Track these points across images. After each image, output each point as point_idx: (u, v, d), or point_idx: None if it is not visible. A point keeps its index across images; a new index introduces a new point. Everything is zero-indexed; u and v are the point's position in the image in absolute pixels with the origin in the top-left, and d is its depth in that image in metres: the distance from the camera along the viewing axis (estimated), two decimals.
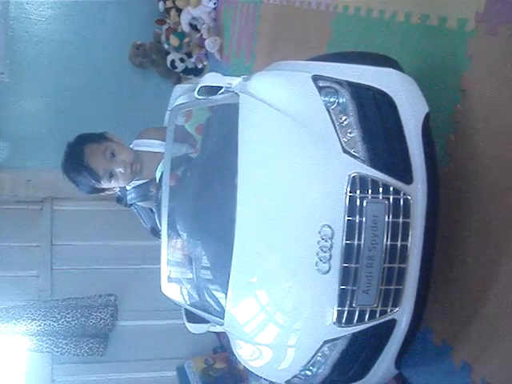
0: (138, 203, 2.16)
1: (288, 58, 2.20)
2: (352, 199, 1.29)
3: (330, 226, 1.30)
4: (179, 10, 3.99)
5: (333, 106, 1.38)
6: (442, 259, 1.49)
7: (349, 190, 1.30)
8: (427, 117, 1.38)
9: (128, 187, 2.12)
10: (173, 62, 4.05)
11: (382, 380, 1.43)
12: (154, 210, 2.00)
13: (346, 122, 1.36)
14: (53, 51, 4.35)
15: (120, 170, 2.02)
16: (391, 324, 1.34)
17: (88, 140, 2.07)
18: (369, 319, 1.32)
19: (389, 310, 1.32)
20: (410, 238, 1.31)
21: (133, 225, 2.55)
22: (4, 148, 4.41)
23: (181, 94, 2.05)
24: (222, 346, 2.80)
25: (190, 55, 4.06)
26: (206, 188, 1.70)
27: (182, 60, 4.04)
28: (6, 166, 4.39)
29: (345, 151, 1.33)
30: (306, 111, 1.39)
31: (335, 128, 1.36)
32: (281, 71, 1.50)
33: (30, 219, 4.02)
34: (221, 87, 1.64)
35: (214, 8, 3.78)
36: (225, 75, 1.74)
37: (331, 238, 1.30)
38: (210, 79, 1.65)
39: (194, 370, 2.58)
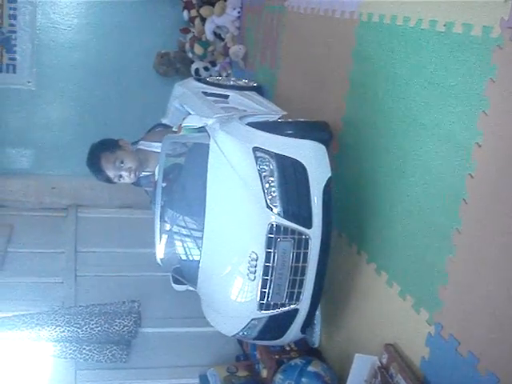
0: (145, 188, 2.83)
1: (312, 66, 2.22)
2: (270, 238, 1.99)
3: (255, 253, 2.01)
4: (203, 19, 4.02)
5: (264, 173, 2.00)
6: None
7: (268, 232, 1.99)
8: (329, 180, 2.01)
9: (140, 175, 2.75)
10: (197, 70, 4.07)
11: (293, 339, 2.27)
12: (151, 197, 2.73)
13: (271, 184, 2.00)
14: (78, 60, 4.41)
15: (126, 174, 2.62)
16: (295, 311, 2.09)
17: (104, 148, 2.65)
18: (279, 308, 2.07)
19: (293, 303, 2.07)
20: (308, 261, 2.02)
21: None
22: (30, 155, 4.47)
23: (178, 94, 3.01)
24: (244, 354, 2.79)
25: (214, 64, 4.09)
26: (186, 195, 2.43)
27: (206, 68, 4.06)
28: (32, 173, 4.46)
29: (268, 206, 2.00)
30: (247, 173, 2.03)
31: (263, 189, 2.00)
32: (235, 138, 2.08)
33: (54, 226, 4.05)
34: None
35: (238, 17, 3.80)
36: None
37: (256, 260, 2.01)
38: (192, 121, 2.39)
39: (217, 377, 2.57)
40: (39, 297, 3.15)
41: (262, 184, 2.01)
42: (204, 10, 4.00)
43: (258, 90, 3.22)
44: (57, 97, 4.45)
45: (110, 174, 2.63)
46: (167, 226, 2.52)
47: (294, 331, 2.16)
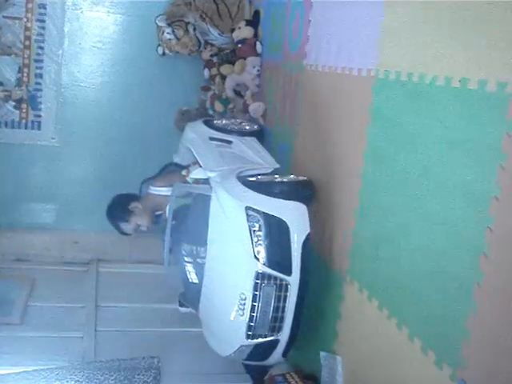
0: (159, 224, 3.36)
1: (331, 123, 2.27)
2: (256, 283, 2.41)
3: (244, 294, 2.43)
4: (224, 77, 4.10)
5: (254, 228, 2.42)
6: None
7: (255, 278, 2.41)
8: (308, 235, 2.44)
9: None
10: None
11: (276, 361, 2.66)
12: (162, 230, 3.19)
13: (259, 238, 2.42)
14: (101, 116, 4.51)
15: (144, 229, 3.36)
16: (276, 341, 2.51)
17: (122, 219, 3.34)
18: (264, 338, 2.49)
19: (275, 335, 2.49)
20: (287, 301, 2.44)
21: (177, 288, 3.09)
22: (52, 210, 4.53)
23: (189, 137, 3.43)
24: None
25: None
26: (193, 232, 2.87)
27: None
28: (54, 227, 4.50)
29: (255, 257, 2.42)
30: (239, 227, 2.46)
31: (252, 242, 2.42)
32: (232, 196, 2.52)
33: (75, 280, 4.08)
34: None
35: (258, 75, 3.88)
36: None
37: (245, 300, 2.43)
38: (198, 174, 2.90)
39: None
40: (59, 351, 3.15)
41: (251, 238, 2.43)
42: (224, 69, 4.09)
43: (260, 133, 3.54)
44: (80, 152, 4.53)
45: (131, 233, 3.40)
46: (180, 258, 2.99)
47: (276, 356, 2.57)
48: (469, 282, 1.69)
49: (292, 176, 2.77)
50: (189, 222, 2.93)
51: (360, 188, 2.40)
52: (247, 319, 2.45)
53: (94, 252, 4.40)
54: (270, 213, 2.44)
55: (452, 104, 1.79)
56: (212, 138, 3.30)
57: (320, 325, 2.72)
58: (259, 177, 2.75)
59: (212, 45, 4.28)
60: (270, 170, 2.90)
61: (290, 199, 2.49)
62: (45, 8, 4.27)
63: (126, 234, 3.41)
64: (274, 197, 2.50)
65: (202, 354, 3.07)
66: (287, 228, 2.43)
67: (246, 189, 2.54)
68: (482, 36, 1.66)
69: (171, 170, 3.44)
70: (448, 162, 1.81)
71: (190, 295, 2.94)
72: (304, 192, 2.65)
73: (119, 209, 3.36)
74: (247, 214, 2.44)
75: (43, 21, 4.29)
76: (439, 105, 1.86)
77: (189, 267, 2.90)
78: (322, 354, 2.57)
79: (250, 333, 2.47)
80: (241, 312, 2.45)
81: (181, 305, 3.08)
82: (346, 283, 2.48)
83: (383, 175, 2.21)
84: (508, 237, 1.54)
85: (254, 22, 4.00)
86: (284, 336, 2.50)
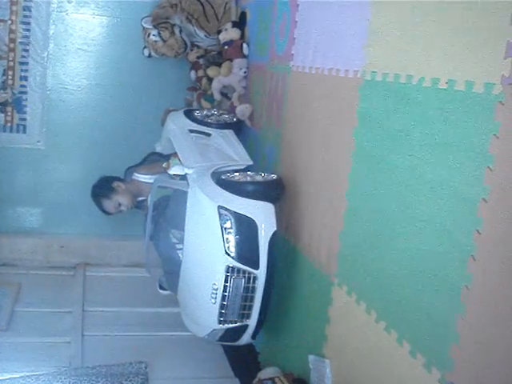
0: (141, 210, 3.66)
1: (318, 125, 2.26)
2: (227, 276, 2.66)
3: (216, 284, 2.68)
4: (210, 79, 4.08)
5: (225, 225, 2.65)
6: None
7: (226, 271, 2.66)
8: (274, 233, 2.68)
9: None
10: None
11: (246, 342, 2.93)
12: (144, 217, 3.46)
13: (229, 235, 2.65)
14: (87, 119, 4.48)
15: (124, 209, 3.60)
16: (245, 326, 2.78)
17: (102, 195, 3.61)
18: (234, 324, 2.76)
19: (244, 321, 2.76)
20: (255, 292, 2.70)
21: (156, 274, 3.33)
22: (38, 214, 4.49)
23: (170, 129, 3.62)
24: None
25: None
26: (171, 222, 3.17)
27: None
28: (40, 231, 4.47)
29: (226, 253, 2.66)
30: (212, 224, 2.70)
31: (223, 238, 2.66)
32: (206, 195, 2.76)
33: (62, 285, 4.05)
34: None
35: (244, 76, 3.86)
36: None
37: (217, 290, 2.68)
38: (176, 170, 3.08)
39: None
40: (46, 357, 3.12)
41: (222, 234, 2.66)
42: (211, 71, 4.06)
43: (238, 125, 3.69)
44: (65, 156, 4.50)
45: (112, 211, 3.61)
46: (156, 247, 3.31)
47: (246, 338, 2.85)
48: (457, 284, 1.67)
49: (263, 174, 2.93)
50: (176, 209, 3.09)
51: (348, 190, 2.38)
52: (219, 307, 2.70)
53: (81, 256, 4.37)
54: (240, 212, 2.66)
55: (440, 105, 1.78)
56: (192, 131, 3.50)
57: (309, 328, 2.70)
58: (233, 174, 2.94)
59: (198, 47, 4.26)
60: (243, 167, 3.12)
61: (258, 199, 2.70)
62: (30, 10, 4.23)
63: (107, 212, 3.63)
64: (245, 196, 2.71)
65: (190, 359, 3.07)
66: (255, 226, 2.65)
67: (219, 188, 2.77)
68: (468, 37, 1.65)
69: (154, 160, 3.68)
70: (436, 164, 1.79)
71: (170, 280, 3.22)
72: (272, 192, 2.84)
73: (103, 186, 3.61)
74: (219, 213, 2.66)
75: (28, 23, 4.25)
76: (426, 106, 1.85)
77: (180, 253, 3.08)
78: (311, 357, 2.56)
79: (221, 319, 2.73)
80: (213, 300, 2.70)
81: (161, 288, 3.38)
82: (334, 286, 2.46)
83: (371, 177, 2.20)
84: (496, 239, 1.53)
85: (240, 23, 3.98)
86: (252, 322, 2.77)
